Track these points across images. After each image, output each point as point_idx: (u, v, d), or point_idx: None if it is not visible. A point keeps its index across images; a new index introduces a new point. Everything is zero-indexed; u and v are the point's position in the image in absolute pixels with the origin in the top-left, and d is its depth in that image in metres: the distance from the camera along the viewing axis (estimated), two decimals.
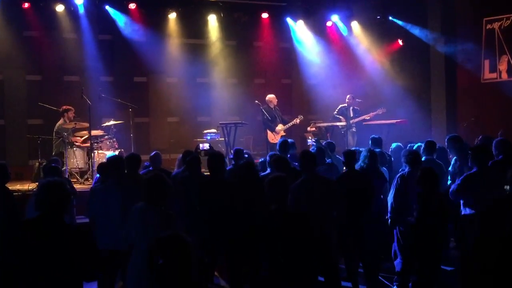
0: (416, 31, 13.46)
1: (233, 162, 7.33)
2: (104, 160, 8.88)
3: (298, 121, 11.25)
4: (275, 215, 4.27)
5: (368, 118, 11.76)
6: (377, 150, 7.06)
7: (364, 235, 5.91)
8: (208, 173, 6.10)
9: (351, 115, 11.86)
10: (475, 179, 5.52)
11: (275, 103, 11.31)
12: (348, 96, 12.08)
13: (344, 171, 6.64)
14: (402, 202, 5.82)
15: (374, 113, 11.70)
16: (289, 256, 4.19)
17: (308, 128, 12.63)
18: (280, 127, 11.16)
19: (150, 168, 6.90)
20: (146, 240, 4.03)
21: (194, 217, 5.74)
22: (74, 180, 9.65)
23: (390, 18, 13.74)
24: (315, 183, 5.46)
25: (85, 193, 6.95)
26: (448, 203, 5.50)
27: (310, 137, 11.81)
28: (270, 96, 11.34)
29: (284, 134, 11.14)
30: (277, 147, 7.37)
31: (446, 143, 7.30)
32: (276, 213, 4.28)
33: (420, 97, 13.44)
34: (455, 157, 6.99)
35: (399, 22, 13.71)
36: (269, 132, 11.11)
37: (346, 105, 11.97)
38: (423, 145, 7.12)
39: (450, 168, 6.96)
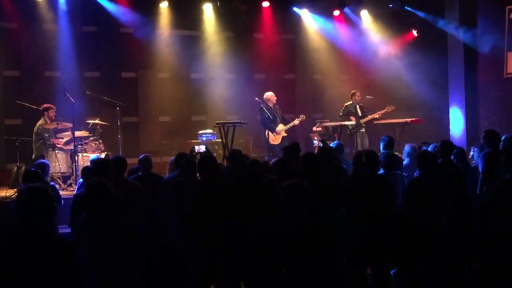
0: (432, 20, 13.48)
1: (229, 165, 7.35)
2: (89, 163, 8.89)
3: (298, 122, 11.26)
4: (294, 226, 4.34)
5: (377, 117, 11.78)
6: (384, 152, 7.07)
7: (376, 245, 5.93)
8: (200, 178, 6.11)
9: (360, 114, 11.85)
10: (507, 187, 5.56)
11: (274, 101, 11.34)
12: (353, 92, 12.05)
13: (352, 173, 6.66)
14: (412, 210, 5.83)
15: (383, 111, 11.71)
16: (295, 267, 4.25)
17: (314, 128, 12.64)
18: (281, 127, 11.18)
19: (139, 173, 6.91)
20: (102, 255, 4.08)
21: (189, 225, 5.75)
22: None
23: (406, 7, 13.74)
24: (318, 189, 5.46)
25: (68, 200, 6.96)
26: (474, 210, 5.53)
27: (315, 138, 11.83)
28: (268, 94, 11.37)
29: (285, 135, 11.17)
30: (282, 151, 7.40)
31: (483, 140, 7.16)
32: (296, 223, 4.36)
33: (437, 93, 13.45)
34: (481, 155, 6.92)
35: (414, 11, 13.74)
36: (269, 133, 11.13)
37: (351, 102, 11.97)
38: (438, 145, 7.10)
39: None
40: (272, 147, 11.01)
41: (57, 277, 3.48)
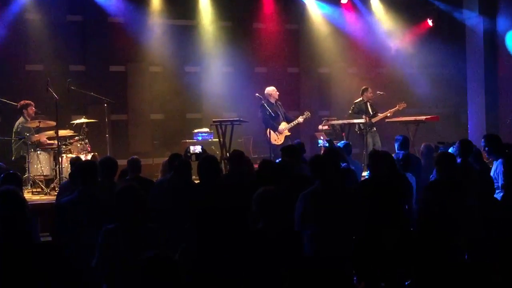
0: (448, 9, 13.44)
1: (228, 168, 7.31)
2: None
3: (302, 119, 11.23)
4: (263, 234, 4.39)
5: (389, 115, 11.75)
6: (404, 152, 7.04)
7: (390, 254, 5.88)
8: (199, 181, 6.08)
9: (371, 112, 11.80)
10: None
11: (276, 97, 11.30)
12: (365, 88, 11.99)
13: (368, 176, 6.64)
14: (429, 215, 5.77)
15: (394, 109, 11.69)
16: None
17: (320, 127, 12.63)
18: (283, 125, 11.13)
19: (127, 177, 6.86)
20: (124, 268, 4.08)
21: (184, 232, 5.71)
22: (38, 189, 9.63)
23: None
24: (329, 192, 5.40)
25: (51, 206, 6.91)
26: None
27: (321, 137, 11.80)
28: (270, 89, 11.32)
29: (288, 134, 11.13)
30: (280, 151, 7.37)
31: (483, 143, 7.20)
32: (263, 231, 4.41)
33: (454, 88, 13.41)
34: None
35: None
36: (271, 132, 11.09)
37: (361, 99, 11.91)
38: (456, 146, 7.06)
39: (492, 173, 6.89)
40: (274, 147, 10.96)
41: (32, 280, 3.66)
